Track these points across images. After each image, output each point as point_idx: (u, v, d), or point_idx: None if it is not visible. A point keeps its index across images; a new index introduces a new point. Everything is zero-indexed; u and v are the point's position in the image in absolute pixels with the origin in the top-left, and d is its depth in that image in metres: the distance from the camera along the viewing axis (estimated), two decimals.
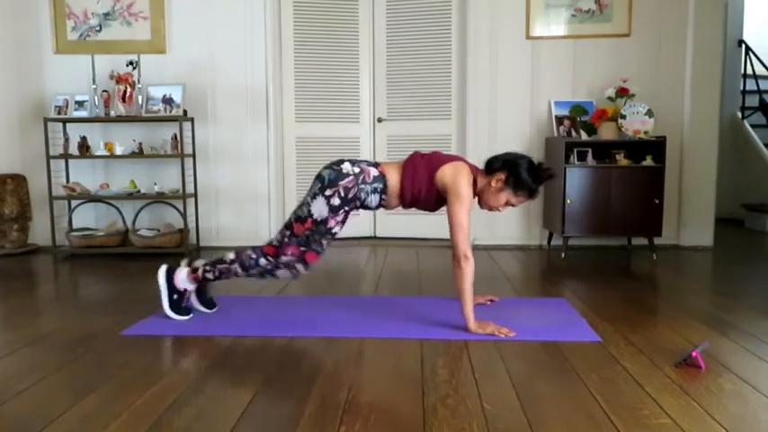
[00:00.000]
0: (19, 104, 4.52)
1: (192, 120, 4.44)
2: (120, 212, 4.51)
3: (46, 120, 4.22)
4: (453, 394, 1.78)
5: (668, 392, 1.80)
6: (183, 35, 4.47)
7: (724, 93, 5.59)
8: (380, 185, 2.47)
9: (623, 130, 4.06)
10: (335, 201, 2.42)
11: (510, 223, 4.55)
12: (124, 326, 2.50)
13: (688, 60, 4.35)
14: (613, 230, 4.08)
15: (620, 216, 3.99)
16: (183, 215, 4.30)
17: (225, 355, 2.15)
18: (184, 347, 2.25)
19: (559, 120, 4.31)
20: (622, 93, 4.13)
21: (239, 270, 2.53)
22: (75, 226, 4.50)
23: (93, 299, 3.05)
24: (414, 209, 2.61)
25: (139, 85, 4.27)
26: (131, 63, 4.24)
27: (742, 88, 6.52)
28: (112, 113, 4.27)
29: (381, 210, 2.62)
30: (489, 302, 2.85)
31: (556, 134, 4.30)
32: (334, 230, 2.47)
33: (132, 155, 4.32)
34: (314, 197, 2.44)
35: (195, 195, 4.51)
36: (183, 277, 2.58)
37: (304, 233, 2.45)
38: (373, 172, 2.47)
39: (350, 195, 2.43)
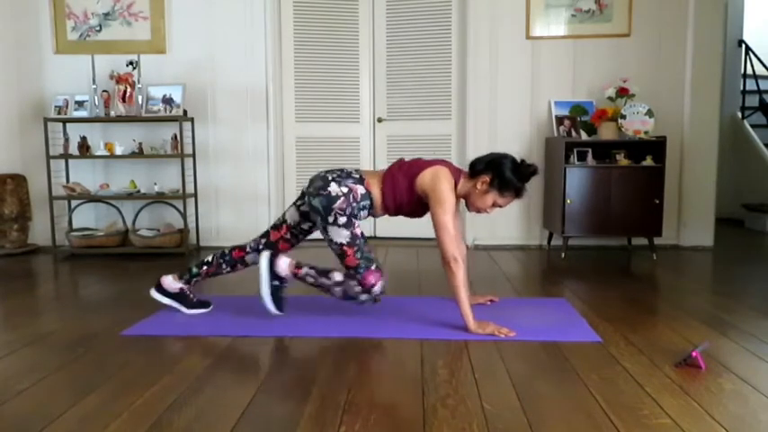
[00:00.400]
0: (19, 104, 4.52)
1: (192, 120, 4.44)
2: (120, 212, 4.51)
3: (46, 120, 4.23)
4: (453, 394, 1.78)
5: (668, 392, 1.80)
6: (183, 35, 4.47)
7: (724, 93, 5.58)
8: (368, 202, 2.50)
9: (623, 130, 4.06)
10: (342, 219, 2.43)
11: (510, 223, 4.55)
12: (124, 326, 2.50)
13: (688, 60, 4.35)
14: (613, 230, 4.08)
15: (620, 216, 3.99)
16: (183, 215, 4.30)
17: (225, 355, 2.15)
18: (184, 347, 2.25)
19: (559, 120, 4.31)
20: (622, 93, 4.13)
21: (338, 293, 2.48)
22: (75, 226, 4.50)
23: (93, 299, 3.05)
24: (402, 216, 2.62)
25: (139, 85, 4.27)
26: (131, 63, 4.24)
27: (742, 88, 6.52)
28: (112, 113, 4.27)
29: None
30: (489, 302, 2.84)
31: (556, 134, 4.30)
32: (361, 233, 2.47)
33: (132, 155, 4.32)
34: (326, 230, 2.46)
35: (195, 195, 4.51)
36: (284, 266, 2.53)
37: (356, 257, 2.44)
38: (360, 190, 2.48)
39: (348, 212, 2.44)
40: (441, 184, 2.40)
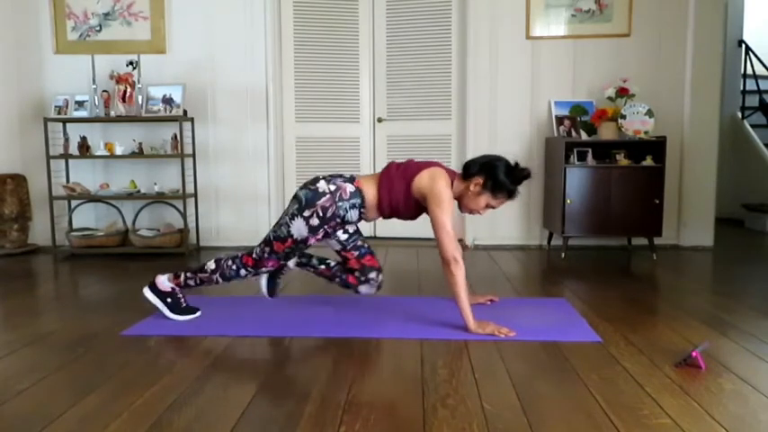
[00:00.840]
0: (19, 104, 4.52)
1: (191, 120, 4.44)
2: (120, 212, 4.51)
3: (46, 120, 4.23)
4: (453, 394, 1.78)
5: (668, 392, 1.80)
6: (183, 35, 4.47)
7: (724, 93, 5.59)
8: (358, 200, 2.47)
9: (623, 130, 4.06)
10: (314, 221, 2.43)
11: (510, 223, 4.55)
12: (124, 326, 2.50)
13: (688, 60, 4.35)
14: (613, 230, 4.08)
15: (620, 216, 3.99)
16: (183, 215, 4.30)
17: (225, 355, 2.15)
18: (184, 347, 2.25)
19: (559, 120, 4.31)
20: (622, 93, 4.13)
21: (220, 280, 2.56)
22: (75, 226, 4.50)
23: (93, 299, 3.05)
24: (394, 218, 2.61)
25: (139, 85, 4.27)
26: (131, 63, 4.24)
27: (742, 88, 6.52)
28: (112, 113, 4.27)
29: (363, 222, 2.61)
30: (489, 302, 2.85)
31: (556, 134, 4.30)
32: (311, 244, 2.51)
33: (132, 155, 4.32)
34: (292, 218, 2.44)
35: (195, 195, 4.51)
36: (163, 280, 2.60)
37: (284, 251, 2.49)
38: (349, 188, 2.47)
39: (328, 214, 2.43)
40: (439, 185, 2.40)
